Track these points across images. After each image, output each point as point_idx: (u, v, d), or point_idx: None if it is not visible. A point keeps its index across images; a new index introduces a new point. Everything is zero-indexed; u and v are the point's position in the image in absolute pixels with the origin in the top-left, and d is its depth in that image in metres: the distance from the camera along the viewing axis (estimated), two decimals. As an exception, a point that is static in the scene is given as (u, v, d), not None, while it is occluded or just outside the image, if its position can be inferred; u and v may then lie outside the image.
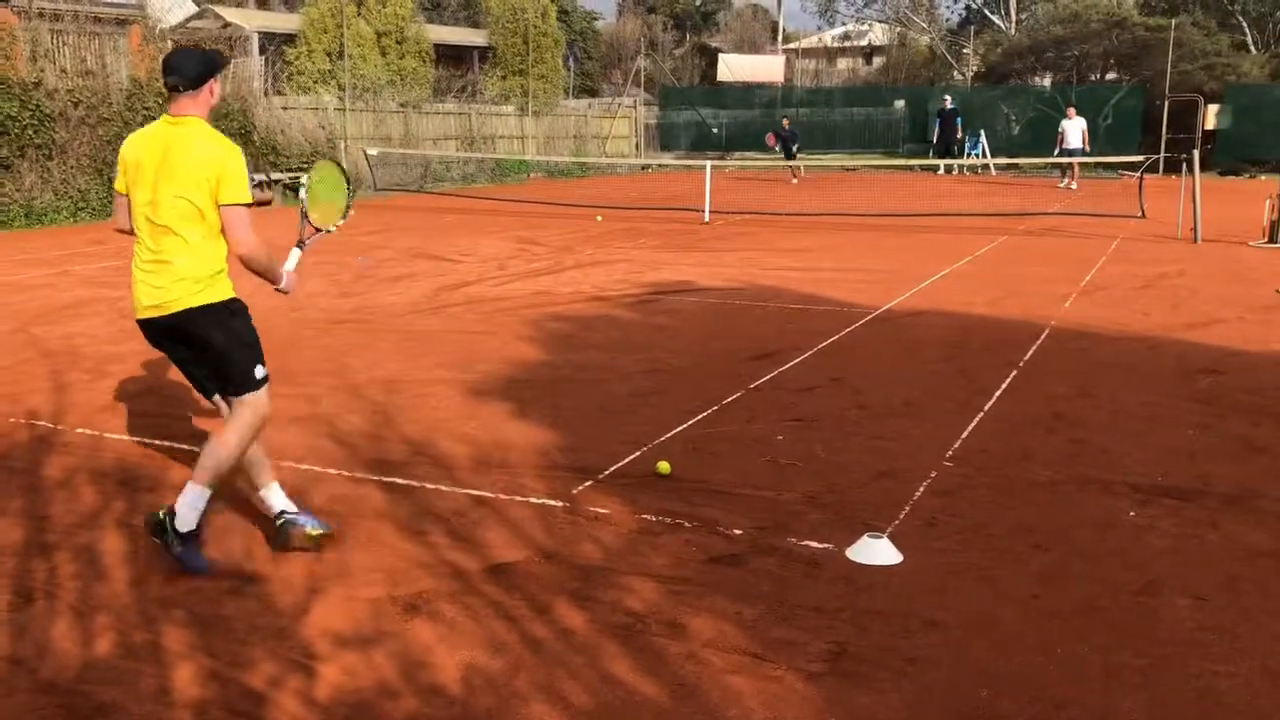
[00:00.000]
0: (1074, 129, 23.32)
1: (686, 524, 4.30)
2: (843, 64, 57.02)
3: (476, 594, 3.66)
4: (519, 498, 4.60)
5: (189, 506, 3.84)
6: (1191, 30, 32.07)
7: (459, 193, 22.86)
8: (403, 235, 15.03)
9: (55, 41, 17.49)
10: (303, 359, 7.25)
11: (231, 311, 4.06)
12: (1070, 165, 23.73)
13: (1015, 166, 28.82)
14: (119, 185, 4.06)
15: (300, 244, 4.58)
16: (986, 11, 45.91)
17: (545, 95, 30.58)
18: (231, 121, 19.50)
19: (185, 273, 3.93)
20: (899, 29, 50.36)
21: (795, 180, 26.39)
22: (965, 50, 42.60)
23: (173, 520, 3.80)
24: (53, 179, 16.79)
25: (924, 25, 48.58)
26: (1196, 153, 14.51)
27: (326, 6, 25.34)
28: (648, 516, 4.38)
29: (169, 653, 3.26)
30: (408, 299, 9.67)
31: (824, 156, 31.55)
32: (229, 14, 27.31)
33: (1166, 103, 28.67)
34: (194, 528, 3.84)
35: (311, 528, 4.06)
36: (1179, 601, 3.63)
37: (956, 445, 5.35)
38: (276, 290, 4.35)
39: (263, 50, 25.61)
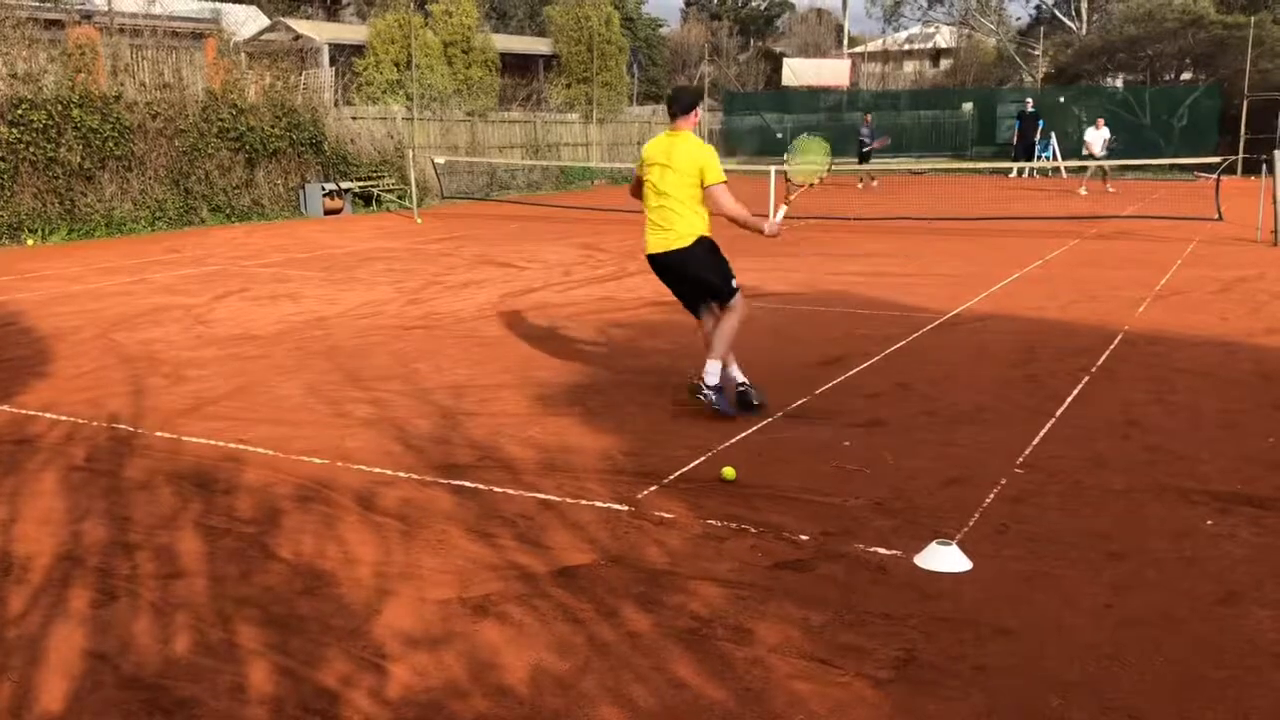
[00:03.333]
0: (1098, 139, 23.55)
1: (752, 529, 4.29)
2: (909, 67, 56.47)
3: (544, 596, 3.70)
4: (584, 501, 4.63)
5: (712, 373, 5.83)
6: (1272, 27, 31.22)
7: (524, 200, 23.05)
8: (469, 243, 15.20)
9: (134, 56, 17.99)
10: (373, 364, 7.37)
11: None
12: (1088, 168, 23.92)
13: (1086, 169, 28.29)
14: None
15: (785, 201, 6.43)
16: (1057, 12, 45.15)
17: (609, 102, 30.72)
18: (302, 132, 19.89)
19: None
20: (966, 31, 49.74)
21: (861, 186, 25.93)
22: (1034, 51, 41.92)
23: (703, 383, 5.81)
24: (131, 189, 17.26)
25: (991, 27, 47.91)
26: (1278, 153, 14.11)
27: (394, 18, 25.74)
28: (713, 521, 4.38)
29: (245, 650, 3.33)
30: (474, 305, 9.78)
31: (891, 160, 31.21)
32: (300, 26, 27.87)
33: (1245, 102, 27.95)
34: (718, 382, 5.81)
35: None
36: (1259, 612, 3.54)
37: (1028, 451, 5.27)
38: (764, 235, 6.22)
39: (332, 61, 26.09)
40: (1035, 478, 4.90)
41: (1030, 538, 4.20)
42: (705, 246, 5.99)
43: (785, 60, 43.77)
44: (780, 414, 5.98)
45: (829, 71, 40.94)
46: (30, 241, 15.54)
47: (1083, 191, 23.33)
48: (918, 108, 36.45)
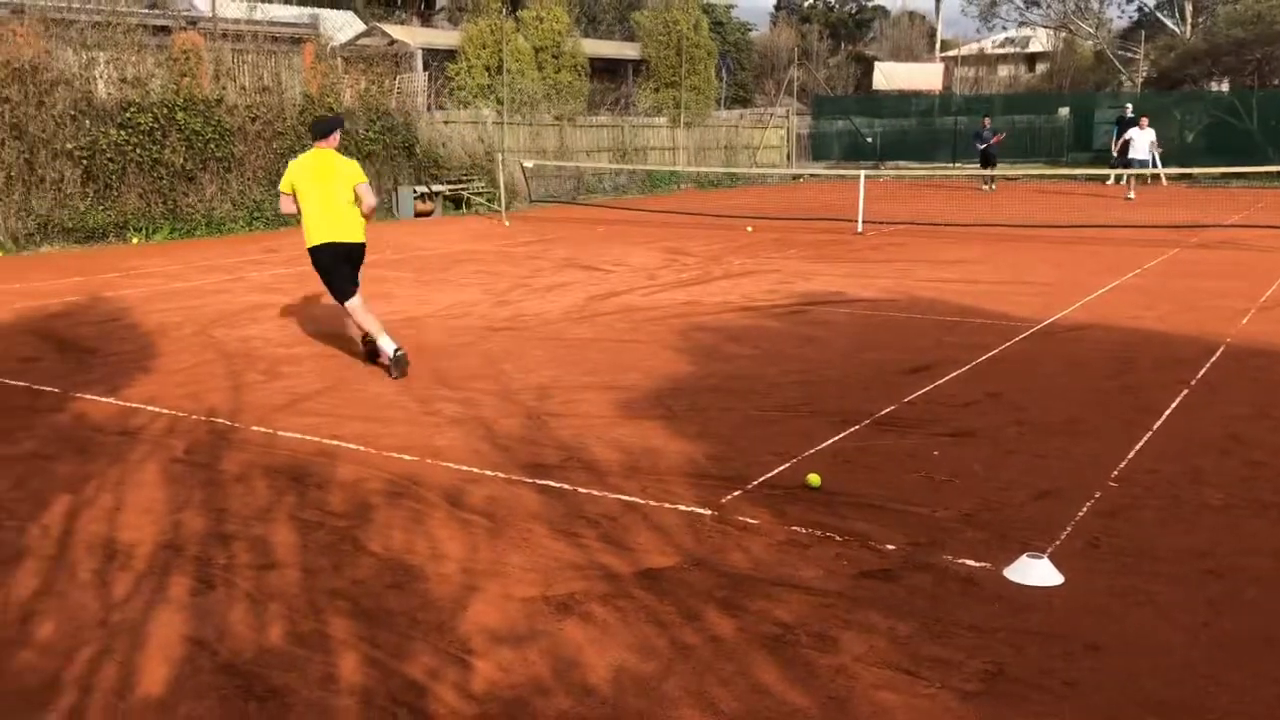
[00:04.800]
0: (1143, 139, 23.12)
1: (837, 537, 4.26)
2: (1003, 71, 55.43)
3: (627, 597, 3.71)
4: (668, 504, 4.64)
5: (387, 346, 7.17)
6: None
7: (610, 204, 23.18)
8: (556, 246, 15.34)
9: (236, 60, 18.53)
10: (461, 365, 7.48)
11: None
12: (1130, 175, 23.21)
13: (1189, 176, 27.45)
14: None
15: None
16: (1159, 14, 43.91)
17: (697, 106, 30.73)
18: (396, 135, 20.27)
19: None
20: (1064, 34, 48.65)
21: (987, 188, 25.45)
22: (1135, 55, 40.82)
23: (390, 356, 7.15)
24: (231, 190, 17.77)
25: (1090, 30, 46.78)
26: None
27: (486, 23, 26.11)
28: (797, 528, 4.35)
29: (335, 641, 3.41)
30: (560, 308, 9.87)
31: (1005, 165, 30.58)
32: (395, 31, 28.42)
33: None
34: (394, 348, 7.15)
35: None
36: (1369, 638, 3.40)
37: (1123, 465, 5.14)
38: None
39: (425, 66, 26.55)
40: (1130, 492, 4.77)
41: (1124, 553, 4.09)
42: (363, 247, 7.51)
43: (877, 64, 43.32)
44: (867, 422, 5.92)
45: (921, 75, 40.41)
46: (135, 240, 16.10)
47: (1130, 196, 22.64)
48: (1012, 112, 35.74)
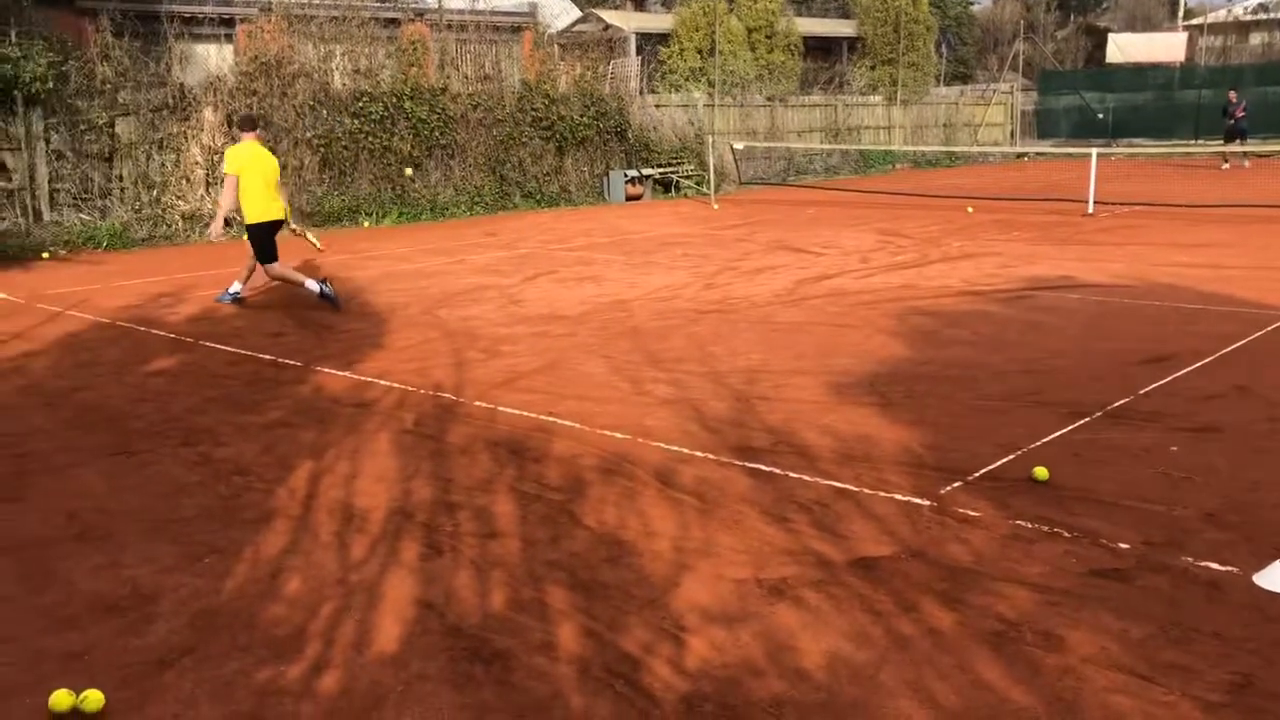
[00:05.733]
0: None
1: (1065, 533, 4.05)
2: (1256, 39, 51.23)
3: (840, 584, 3.66)
4: (883, 493, 4.54)
5: (313, 284, 9.30)
6: None
7: (822, 185, 22.84)
8: (765, 228, 15.24)
9: (459, 50, 19.29)
10: (671, 347, 7.54)
11: None
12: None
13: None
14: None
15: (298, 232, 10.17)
16: None
17: (915, 84, 29.84)
18: (609, 120, 20.62)
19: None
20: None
21: (1228, 166, 23.77)
22: None
23: (323, 288, 9.26)
24: (454, 176, 18.55)
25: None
26: None
27: (699, 5, 26.14)
28: (1022, 523, 4.17)
29: (554, 611, 3.51)
30: (769, 291, 9.80)
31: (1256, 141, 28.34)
32: (610, 17, 28.87)
33: None
34: (319, 286, 9.30)
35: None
36: None
37: (1393, 468, 4.67)
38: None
39: (639, 50, 26.86)
40: (1403, 498, 4.33)
41: (1396, 565, 3.72)
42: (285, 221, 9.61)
43: (1111, 35, 40.83)
44: (1099, 414, 5.61)
45: (1161, 46, 37.77)
46: (366, 223, 17.04)
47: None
48: (1265, 84, 32.94)
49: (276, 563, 3.96)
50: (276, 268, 9.28)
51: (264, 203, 9.16)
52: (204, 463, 5.20)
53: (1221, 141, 23.98)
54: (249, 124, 9.41)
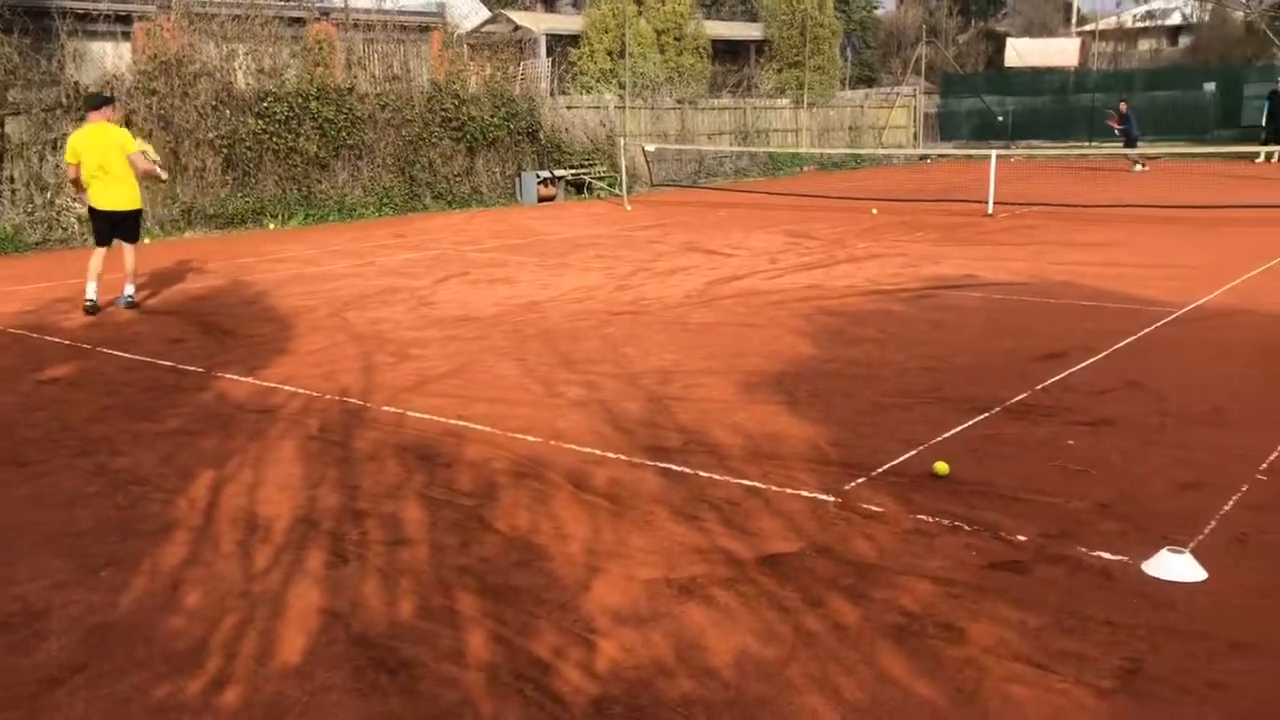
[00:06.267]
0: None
1: (965, 527, 4.16)
2: (1144, 45, 53.13)
3: (749, 582, 3.70)
4: (790, 490, 4.60)
5: (130, 291, 9.41)
6: None
7: (732, 187, 23.06)
8: (677, 229, 15.33)
9: (366, 49, 19.02)
10: (584, 348, 7.54)
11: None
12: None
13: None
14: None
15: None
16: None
17: (821, 87, 30.28)
18: (520, 121, 20.52)
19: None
20: (1211, 5, 46.30)
21: (1142, 168, 24.49)
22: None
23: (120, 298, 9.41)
24: (362, 176, 18.28)
25: (1241, 0, 44.41)
26: None
27: (609, 7, 26.18)
28: (924, 517, 4.27)
29: (463, 617, 3.48)
30: (681, 292, 9.86)
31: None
32: (519, 18, 28.78)
33: None
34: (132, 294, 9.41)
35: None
36: None
37: (1272, 457, 4.88)
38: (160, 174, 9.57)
39: (549, 52, 26.81)
40: (1282, 486, 4.54)
41: (1274, 549, 3.89)
42: (140, 213, 9.47)
43: (1009, 40, 41.96)
44: (998, 409, 5.76)
45: (1056, 51, 38.93)
46: (271, 225, 16.70)
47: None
48: (1154, 88, 34.19)
49: (176, 575, 3.86)
50: (99, 252, 9.16)
51: (97, 189, 8.97)
52: (100, 473, 5.04)
53: (1123, 146, 24.76)
54: (91, 103, 9.19)
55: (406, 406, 6.08)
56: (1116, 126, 24.92)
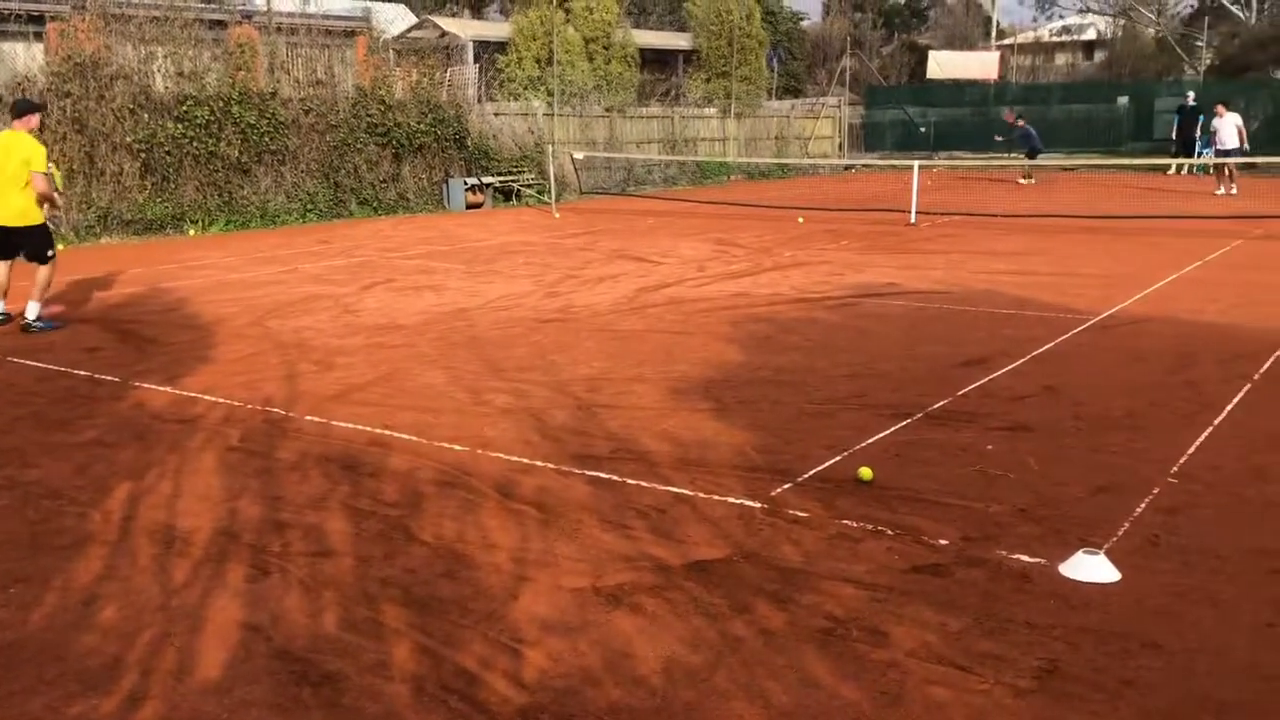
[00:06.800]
0: (1228, 127, 21.31)
1: (889, 531, 4.22)
2: (1061, 59, 54.55)
3: (677, 589, 3.71)
4: (718, 497, 4.62)
5: (33, 309, 8.55)
6: None
7: (660, 195, 23.15)
8: (605, 237, 15.35)
9: (290, 54, 18.74)
10: (512, 356, 7.51)
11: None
12: (1225, 168, 21.46)
13: (1253, 166, 26.80)
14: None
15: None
16: (1225, 1, 42.91)
17: (748, 97, 30.55)
18: (447, 127, 20.38)
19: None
20: (1124, 21, 47.73)
21: (1024, 182, 25.00)
22: (1198, 42, 39.95)
23: (29, 319, 8.52)
24: (285, 182, 18.00)
25: (1152, 17, 45.85)
26: None
27: (536, 14, 26.13)
28: (848, 522, 4.32)
29: (388, 629, 3.44)
30: (610, 299, 9.87)
31: (1040, 155, 30.19)
32: (446, 24, 28.58)
33: None
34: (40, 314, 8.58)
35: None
36: None
37: (1183, 461, 5.04)
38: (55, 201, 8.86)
39: (476, 58, 26.66)
40: (1191, 488, 4.68)
41: (1184, 550, 4.01)
42: (42, 230, 8.68)
43: (931, 53, 42.77)
44: (920, 415, 5.86)
45: (976, 64, 39.79)
46: (192, 232, 16.36)
47: (1234, 191, 21.24)
48: (1069, 101, 35.15)
49: (90, 590, 3.75)
50: (44, 276, 8.64)
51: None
52: (10, 486, 4.89)
53: (1025, 157, 25.32)
54: (20, 109, 8.64)
55: (331, 416, 5.99)
56: (1012, 126, 25.52)
